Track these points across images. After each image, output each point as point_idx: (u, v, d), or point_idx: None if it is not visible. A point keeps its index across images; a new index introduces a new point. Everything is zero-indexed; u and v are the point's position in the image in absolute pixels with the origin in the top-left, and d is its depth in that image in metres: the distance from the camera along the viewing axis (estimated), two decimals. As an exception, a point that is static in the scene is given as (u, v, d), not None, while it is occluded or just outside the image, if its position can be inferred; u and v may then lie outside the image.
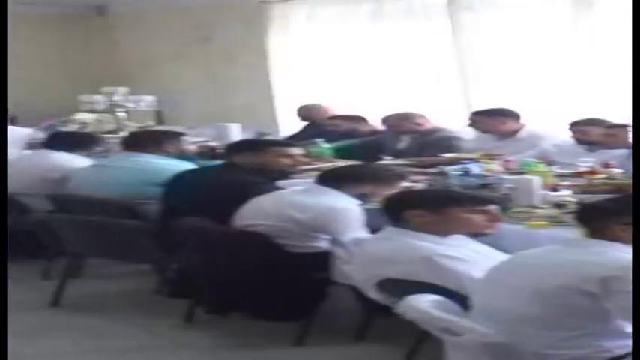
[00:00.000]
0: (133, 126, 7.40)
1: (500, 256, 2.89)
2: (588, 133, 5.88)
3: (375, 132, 6.86)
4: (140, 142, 5.21)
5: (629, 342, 2.22)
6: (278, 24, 8.93)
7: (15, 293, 4.29)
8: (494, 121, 6.27)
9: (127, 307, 4.43)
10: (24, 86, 9.85)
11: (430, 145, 6.18)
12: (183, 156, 5.16)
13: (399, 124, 6.46)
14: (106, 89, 7.62)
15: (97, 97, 7.53)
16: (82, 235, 4.57)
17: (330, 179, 3.79)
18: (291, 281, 3.65)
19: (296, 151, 4.67)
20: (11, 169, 5.19)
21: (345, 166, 4.15)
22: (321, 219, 3.56)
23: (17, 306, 4.10)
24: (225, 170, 4.61)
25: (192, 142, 5.86)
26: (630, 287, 2.16)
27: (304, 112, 7.81)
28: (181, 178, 4.53)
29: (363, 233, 3.47)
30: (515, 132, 6.39)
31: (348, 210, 3.52)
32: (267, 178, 4.25)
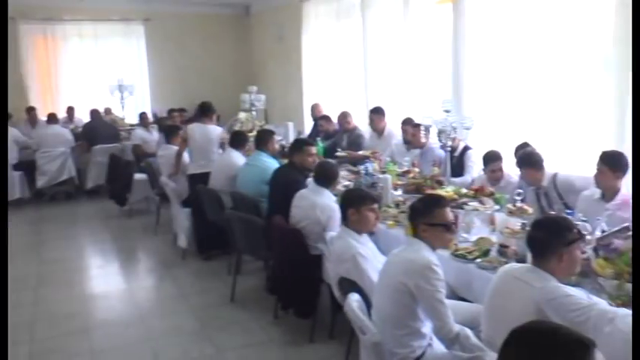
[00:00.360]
0: (259, 124, 7.65)
1: (380, 256, 3.36)
2: (405, 131, 6.15)
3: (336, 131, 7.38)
4: (260, 141, 5.59)
5: (424, 342, 2.71)
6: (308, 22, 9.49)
7: (210, 290, 5.29)
8: (376, 119, 6.60)
9: (249, 303, 4.91)
10: (210, 85, 11.59)
11: (352, 142, 6.79)
12: (273, 154, 5.62)
13: (340, 122, 7.14)
14: (249, 88, 7.97)
15: (245, 96, 7.85)
16: (236, 231, 4.87)
17: (321, 179, 4.27)
18: (310, 281, 4.10)
19: (315, 149, 5.00)
20: (213, 168, 5.96)
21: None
22: (329, 217, 4.03)
23: (210, 300, 5.04)
24: (285, 169, 5.06)
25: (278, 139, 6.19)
26: (429, 286, 2.63)
27: (312, 111, 8.71)
28: (272, 176, 5.03)
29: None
30: (383, 130, 6.79)
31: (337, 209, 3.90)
32: (304, 176, 4.73)
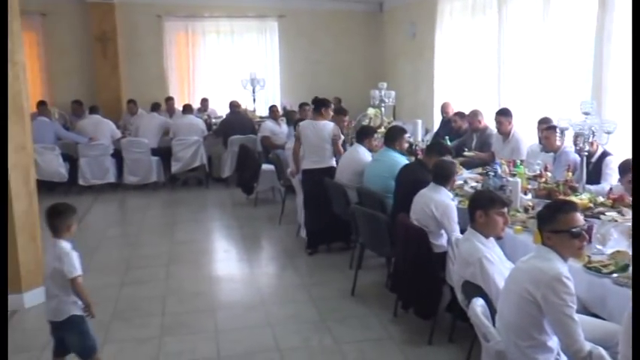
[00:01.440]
0: (387, 121, 7.71)
1: (507, 262, 3.22)
2: (541, 132, 5.67)
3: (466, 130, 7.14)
4: (390, 137, 5.55)
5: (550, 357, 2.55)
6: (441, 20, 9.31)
7: (331, 282, 5.34)
8: (504, 121, 6.24)
9: (369, 298, 4.90)
10: (340, 81, 11.80)
11: (482, 142, 6.54)
12: (402, 152, 5.58)
13: (470, 121, 6.87)
14: (379, 84, 7.94)
15: (375, 92, 7.79)
16: (361, 226, 4.92)
17: (438, 177, 4.25)
18: (432, 280, 4.04)
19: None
20: (340, 163, 6.02)
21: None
22: (443, 214, 4.05)
23: (330, 292, 5.09)
24: (414, 166, 5.04)
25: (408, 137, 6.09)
26: (557, 299, 2.47)
27: (442, 109, 8.50)
28: (398, 173, 5.01)
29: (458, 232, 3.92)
30: (509, 133, 6.36)
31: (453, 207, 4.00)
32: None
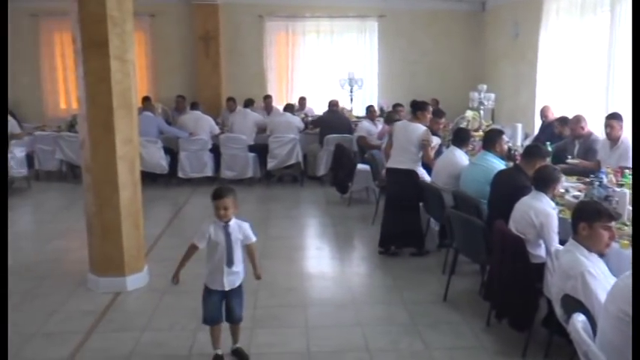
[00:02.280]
0: (485, 124, 7.52)
1: (611, 278, 2.97)
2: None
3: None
4: (488, 140, 5.42)
5: None
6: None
7: (423, 285, 5.26)
8: (616, 125, 5.70)
9: (462, 305, 4.77)
10: (438, 82, 11.69)
11: (586, 150, 6.11)
12: (501, 155, 5.39)
13: (573, 127, 6.43)
14: (479, 86, 7.78)
15: (474, 94, 7.64)
16: (456, 231, 4.82)
17: (539, 183, 4.04)
18: (528, 291, 3.86)
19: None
20: (436, 165, 6.02)
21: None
22: (542, 223, 3.85)
23: (422, 296, 5.00)
24: (511, 172, 4.85)
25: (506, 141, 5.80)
26: None
27: (541, 113, 8.22)
28: (494, 178, 4.86)
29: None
30: (618, 139, 5.80)
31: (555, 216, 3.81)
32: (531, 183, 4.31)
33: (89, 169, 5.12)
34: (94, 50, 4.90)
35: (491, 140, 5.43)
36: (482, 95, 7.79)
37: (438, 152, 6.46)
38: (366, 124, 9.27)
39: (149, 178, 8.67)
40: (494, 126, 7.34)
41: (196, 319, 4.48)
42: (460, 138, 6.03)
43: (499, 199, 4.58)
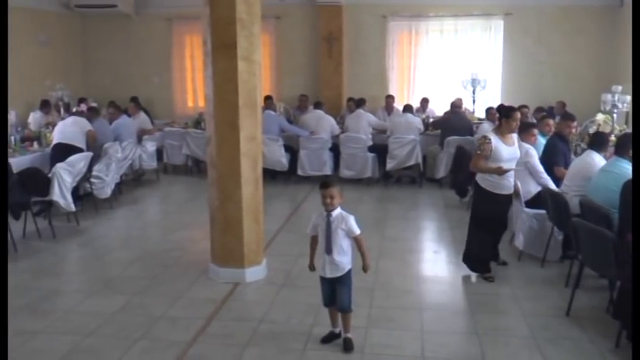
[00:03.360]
0: (618, 128, 7.17)
1: None
2: None
3: None
4: (621, 146, 5.17)
5: None
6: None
7: (544, 298, 5.01)
8: None
9: (587, 322, 4.51)
10: (565, 82, 11.03)
11: None
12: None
13: None
14: (613, 88, 7.36)
15: (607, 97, 7.28)
16: (582, 242, 4.56)
17: None
18: None
19: None
20: (569, 168, 5.86)
21: None
22: None
23: (542, 309, 4.78)
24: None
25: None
26: None
27: None
28: (624, 186, 4.48)
29: None
30: None
31: None
32: None
33: (214, 164, 5.35)
34: (223, 51, 5.11)
35: (625, 146, 5.12)
36: (616, 97, 7.26)
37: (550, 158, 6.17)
38: (486, 127, 8.94)
39: (269, 175, 8.93)
40: (628, 130, 6.81)
41: (313, 314, 4.59)
42: (598, 142, 5.76)
43: (630, 210, 4.21)
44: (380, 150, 9.55)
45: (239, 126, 5.17)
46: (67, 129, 8.00)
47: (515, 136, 5.37)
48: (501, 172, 5.08)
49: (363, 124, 9.72)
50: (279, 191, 9.10)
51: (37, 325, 4.60)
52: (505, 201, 5.36)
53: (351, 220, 4.03)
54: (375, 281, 5.35)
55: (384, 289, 5.19)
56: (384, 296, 5.07)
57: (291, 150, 9.71)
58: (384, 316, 4.68)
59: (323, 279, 4.12)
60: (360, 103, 10.36)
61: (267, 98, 10.29)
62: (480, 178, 5.33)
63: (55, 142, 7.97)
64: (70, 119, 8.32)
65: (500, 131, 5.25)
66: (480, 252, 5.49)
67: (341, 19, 11.85)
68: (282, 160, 9.51)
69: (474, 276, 5.53)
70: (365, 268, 4.08)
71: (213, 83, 5.18)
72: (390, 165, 9.48)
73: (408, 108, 9.99)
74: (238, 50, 5.08)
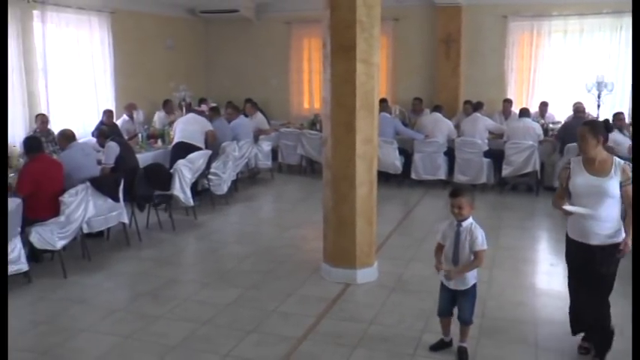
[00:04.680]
0: None
1: None
2: None
3: None
4: None
5: None
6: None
7: None
8: None
9: None
10: None
11: None
12: None
13: None
14: None
15: None
16: None
17: None
18: None
19: None
20: None
21: None
22: None
23: None
24: None
25: None
26: None
27: None
28: None
29: None
30: None
31: None
32: None
33: (329, 165, 5.42)
34: (342, 54, 5.17)
35: None
36: None
37: None
38: (614, 135, 8.40)
39: (383, 177, 8.91)
40: None
41: (424, 319, 4.54)
42: None
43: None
44: (496, 155, 9.26)
45: (355, 128, 5.21)
46: (188, 127, 8.44)
47: (609, 159, 3.82)
48: (565, 213, 3.96)
49: (480, 128, 9.47)
50: (392, 194, 9.07)
51: (157, 311, 4.89)
52: (581, 251, 3.95)
53: (479, 233, 3.90)
54: (487, 291, 5.20)
55: (496, 300, 5.05)
56: (496, 307, 4.92)
57: (406, 153, 9.65)
58: (496, 327, 4.54)
59: (444, 287, 4.06)
60: (477, 106, 10.12)
61: (382, 101, 10.28)
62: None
63: (176, 140, 8.42)
64: (191, 117, 8.78)
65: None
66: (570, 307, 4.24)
67: (460, 20, 11.60)
68: (396, 162, 9.48)
69: None
70: (450, 274, 3.93)
71: (331, 85, 5.26)
72: (506, 171, 9.17)
73: (524, 112, 9.55)
74: (357, 52, 5.12)
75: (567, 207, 3.87)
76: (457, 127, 9.97)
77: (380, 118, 8.45)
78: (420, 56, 12.01)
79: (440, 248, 4.04)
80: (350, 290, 5.28)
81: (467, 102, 10.71)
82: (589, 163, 3.84)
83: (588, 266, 3.92)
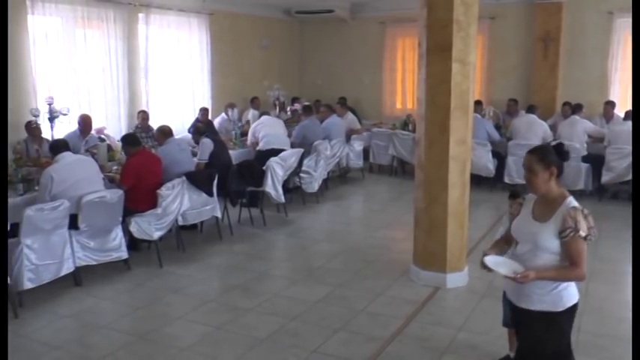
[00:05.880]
0: None
1: None
2: None
3: None
4: None
5: None
6: None
7: None
8: None
9: None
10: None
11: None
12: None
13: None
14: None
15: None
16: None
17: None
18: None
19: None
20: None
21: None
22: None
23: None
24: None
25: None
26: None
27: None
28: None
29: None
30: None
31: None
32: None
33: (422, 166, 5.36)
34: (438, 53, 5.10)
35: None
36: None
37: None
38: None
39: (474, 180, 8.68)
40: None
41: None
42: None
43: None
44: (595, 161, 8.82)
45: (449, 129, 5.13)
46: (278, 132, 8.58)
47: (559, 198, 3.02)
48: (482, 267, 3.11)
49: (578, 131, 9.06)
50: (484, 198, 8.84)
51: (248, 304, 5.02)
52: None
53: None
54: (585, 304, 4.93)
55: (594, 314, 4.80)
56: (594, 322, 4.67)
57: (499, 156, 9.38)
58: (594, 344, 4.32)
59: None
60: (576, 108, 9.67)
61: (477, 103, 10.05)
62: None
63: (266, 147, 8.39)
64: (275, 121, 8.92)
65: None
66: None
67: (560, 18, 11.11)
68: (488, 165, 9.25)
69: None
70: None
71: (426, 85, 5.19)
72: (605, 178, 8.71)
73: (628, 115, 9.08)
74: (453, 52, 5.04)
75: (488, 259, 3.05)
76: (552, 128, 9.59)
77: (474, 119, 8.34)
78: (516, 56, 11.63)
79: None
80: (439, 294, 5.20)
81: (565, 103, 10.25)
82: (539, 202, 3.06)
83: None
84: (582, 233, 2.84)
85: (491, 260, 3.03)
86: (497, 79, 11.76)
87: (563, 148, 3.06)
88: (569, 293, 2.98)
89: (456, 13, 4.98)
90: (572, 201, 2.97)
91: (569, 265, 2.85)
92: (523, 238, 3.05)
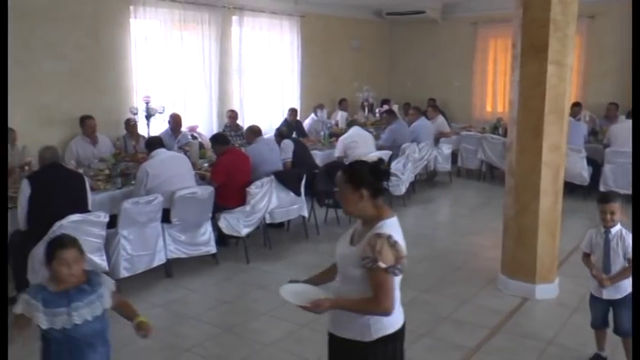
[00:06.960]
0: None
1: None
2: None
3: None
4: None
5: None
6: None
7: None
8: None
9: None
10: None
11: None
12: None
13: None
14: None
15: None
16: None
17: None
18: None
19: None
20: None
21: None
22: None
23: None
24: None
25: None
26: None
27: None
28: None
29: None
30: None
31: None
32: None
33: (513, 172, 5.19)
34: (532, 55, 4.92)
35: None
36: None
37: None
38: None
39: (567, 188, 8.32)
40: None
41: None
42: None
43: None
44: None
45: (543, 133, 4.94)
46: (371, 152, 8.38)
47: (375, 220, 2.66)
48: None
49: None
50: (578, 207, 8.43)
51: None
52: None
53: (630, 239, 3.69)
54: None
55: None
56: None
57: (594, 163, 8.93)
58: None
59: (595, 298, 3.90)
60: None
61: (575, 105, 9.63)
62: None
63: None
64: (367, 136, 8.77)
65: None
66: None
67: (667, 18, 10.46)
68: (582, 173, 8.82)
69: None
70: (603, 282, 3.74)
71: (520, 87, 5.02)
72: None
73: None
74: (549, 53, 4.84)
75: (283, 287, 2.87)
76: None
77: (570, 124, 7.98)
78: (616, 57, 10.99)
79: (588, 258, 3.92)
80: (527, 305, 5.01)
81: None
82: (361, 223, 2.69)
83: None
84: (382, 265, 2.41)
85: (287, 289, 2.75)
86: (593, 81, 11.19)
87: (379, 166, 2.64)
88: (381, 322, 2.55)
89: (554, 12, 4.78)
90: (382, 226, 2.53)
91: (371, 297, 2.47)
92: (338, 260, 2.70)
